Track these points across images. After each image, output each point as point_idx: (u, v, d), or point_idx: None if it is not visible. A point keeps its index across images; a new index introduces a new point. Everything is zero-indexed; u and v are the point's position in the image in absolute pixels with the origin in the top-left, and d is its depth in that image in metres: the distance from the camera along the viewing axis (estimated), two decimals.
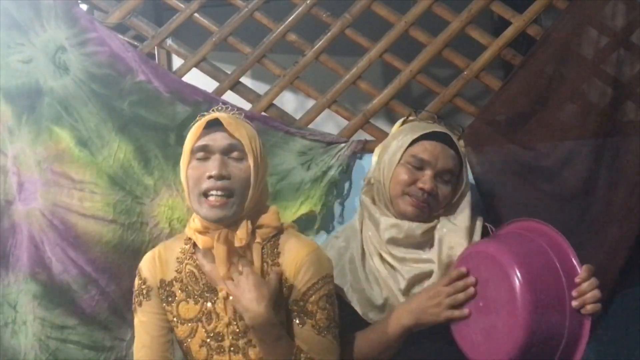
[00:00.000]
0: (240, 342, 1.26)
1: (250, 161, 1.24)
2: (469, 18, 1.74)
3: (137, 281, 1.34)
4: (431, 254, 1.34)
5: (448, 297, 1.22)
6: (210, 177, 1.22)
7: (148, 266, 1.33)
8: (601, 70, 1.65)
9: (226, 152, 1.24)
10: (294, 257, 1.26)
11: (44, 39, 1.70)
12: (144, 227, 1.68)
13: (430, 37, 1.76)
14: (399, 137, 1.41)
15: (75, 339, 1.66)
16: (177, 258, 1.32)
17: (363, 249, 1.40)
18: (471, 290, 1.21)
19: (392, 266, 1.35)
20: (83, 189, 1.67)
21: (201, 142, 1.24)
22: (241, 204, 1.24)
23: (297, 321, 1.25)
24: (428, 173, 1.34)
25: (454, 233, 1.34)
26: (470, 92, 1.96)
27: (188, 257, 1.31)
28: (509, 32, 1.74)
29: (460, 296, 1.22)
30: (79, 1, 1.83)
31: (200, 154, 1.24)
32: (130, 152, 1.69)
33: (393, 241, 1.35)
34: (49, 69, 1.69)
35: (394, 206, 1.37)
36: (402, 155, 1.37)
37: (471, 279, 1.22)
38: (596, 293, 1.14)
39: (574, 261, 1.17)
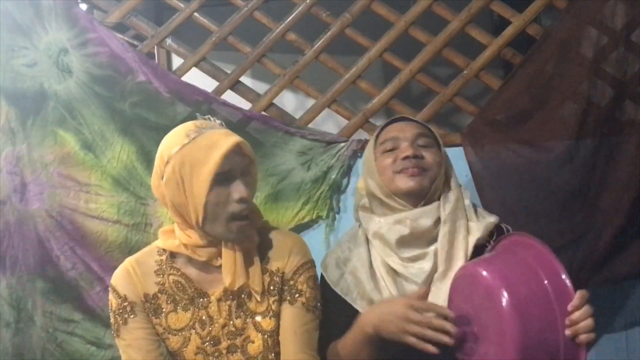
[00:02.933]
0: (238, 340, 1.26)
1: (254, 174, 1.27)
2: (469, 17, 1.74)
3: (114, 300, 1.27)
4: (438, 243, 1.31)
5: (414, 325, 1.14)
6: (240, 200, 1.20)
7: (125, 283, 1.28)
8: (601, 69, 1.65)
9: (244, 172, 1.24)
10: (282, 247, 1.29)
11: (47, 41, 1.71)
12: (148, 228, 1.71)
13: (430, 36, 1.76)
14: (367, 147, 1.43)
15: (79, 333, 1.71)
16: (156, 271, 1.29)
17: (370, 259, 1.36)
18: (445, 338, 1.11)
19: (398, 274, 1.31)
20: (89, 191, 1.71)
21: (225, 168, 1.20)
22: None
23: (289, 298, 1.27)
24: (404, 144, 1.33)
25: (451, 208, 1.31)
26: (470, 92, 1.96)
27: (169, 268, 1.28)
28: (508, 32, 1.74)
29: (430, 333, 1.12)
30: (79, 1, 1.83)
31: (221, 178, 1.21)
32: (133, 153, 1.71)
33: (402, 242, 1.31)
34: (53, 73, 1.71)
35: (395, 192, 1.33)
36: (375, 152, 1.37)
37: (448, 325, 1.12)
38: (589, 322, 1.07)
39: (568, 285, 1.10)
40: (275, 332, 1.27)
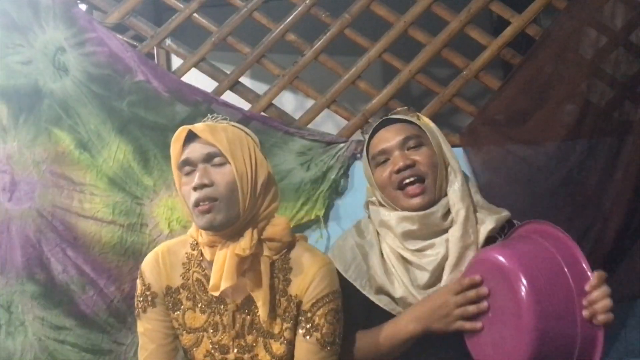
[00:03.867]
0: (246, 356, 1.24)
1: (232, 164, 1.20)
2: (468, 18, 1.74)
3: (140, 286, 1.29)
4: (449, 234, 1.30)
5: (458, 308, 1.18)
6: (194, 188, 1.19)
7: (151, 270, 1.29)
8: (600, 69, 1.65)
9: (207, 160, 1.21)
10: (305, 272, 1.24)
11: (43, 40, 1.70)
12: (144, 229, 1.69)
13: (430, 36, 1.76)
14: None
15: (72, 340, 1.66)
16: (183, 264, 1.29)
17: (380, 247, 1.37)
18: (484, 304, 1.16)
19: (409, 262, 1.31)
20: (83, 190, 1.68)
21: (183, 157, 1.22)
22: (231, 209, 1.19)
23: (303, 332, 1.22)
24: (394, 155, 1.32)
25: (459, 198, 1.31)
26: (470, 92, 1.96)
27: (196, 265, 1.27)
28: (508, 32, 1.74)
29: (472, 309, 1.17)
30: (78, 1, 1.83)
31: (186, 169, 1.22)
32: (130, 152, 1.69)
33: (408, 235, 1.31)
34: (49, 71, 1.70)
35: (401, 208, 1.34)
36: (369, 163, 1.37)
37: (484, 290, 1.16)
38: (607, 302, 1.06)
39: (585, 267, 1.09)
40: (286, 359, 1.24)
